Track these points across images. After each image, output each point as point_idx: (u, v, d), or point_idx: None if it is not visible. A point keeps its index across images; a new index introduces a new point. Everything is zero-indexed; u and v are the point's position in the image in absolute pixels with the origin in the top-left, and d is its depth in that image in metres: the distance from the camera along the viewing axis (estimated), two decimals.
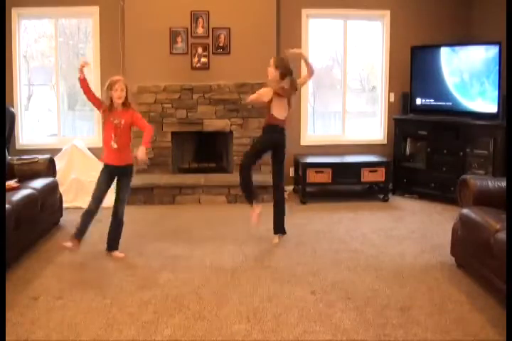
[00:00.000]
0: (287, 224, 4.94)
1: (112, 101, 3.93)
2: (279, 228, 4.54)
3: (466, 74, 5.74)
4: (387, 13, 6.43)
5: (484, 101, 5.58)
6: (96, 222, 4.89)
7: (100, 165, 4.11)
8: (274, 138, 4.41)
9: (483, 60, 5.59)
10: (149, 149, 6.09)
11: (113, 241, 4.17)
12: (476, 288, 3.46)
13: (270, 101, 4.29)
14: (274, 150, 4.46)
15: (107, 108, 3.96)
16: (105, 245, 4.19)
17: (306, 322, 2.98)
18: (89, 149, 6.11)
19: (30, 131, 6.46)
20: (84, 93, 3.95)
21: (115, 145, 3.98)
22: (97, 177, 4.08)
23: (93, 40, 6.23)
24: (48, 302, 3.22)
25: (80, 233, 3.98)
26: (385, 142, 6.63)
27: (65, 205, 5.19)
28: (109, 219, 4.18)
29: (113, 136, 3.97)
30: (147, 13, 5.97)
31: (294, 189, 6.43)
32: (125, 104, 3.98)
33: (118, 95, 3.90)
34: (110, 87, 3.91)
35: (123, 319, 3.01)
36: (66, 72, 6.57)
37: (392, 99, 6.59)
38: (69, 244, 3.91)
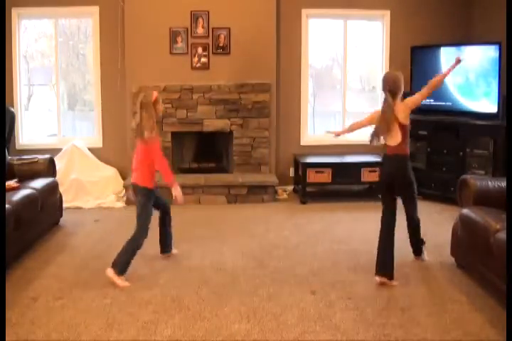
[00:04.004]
0: (287, 224, 4.94)
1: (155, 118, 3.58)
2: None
3: (469, 74, 5.72)
4: (387, 13, 6.43)
5: (489, 101, 5.56)
6: (96, 222, 4.95)
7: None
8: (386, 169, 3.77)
9: (484, 60, 5.58)
10: None
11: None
12: (476, 288, 3.46)
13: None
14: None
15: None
16: (106, 244, 4.26)
17: (306, 322, 2.98)
18: (89, 149, 6.11)
19: (30, 131, 6.45)
20: None
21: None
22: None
23: (93, 40, 6.22)
24: (48, 302, 3.22)
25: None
26: None
27: (65, 205, 5.19)
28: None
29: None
30: (147, 13, 5.97)
31: (294, 189, 6.43)
32: None
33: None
34: (157, 101, 3.57)
35: (123, 319, 3.01)
36: (66, 72, 6.57)
37: None
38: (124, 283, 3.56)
